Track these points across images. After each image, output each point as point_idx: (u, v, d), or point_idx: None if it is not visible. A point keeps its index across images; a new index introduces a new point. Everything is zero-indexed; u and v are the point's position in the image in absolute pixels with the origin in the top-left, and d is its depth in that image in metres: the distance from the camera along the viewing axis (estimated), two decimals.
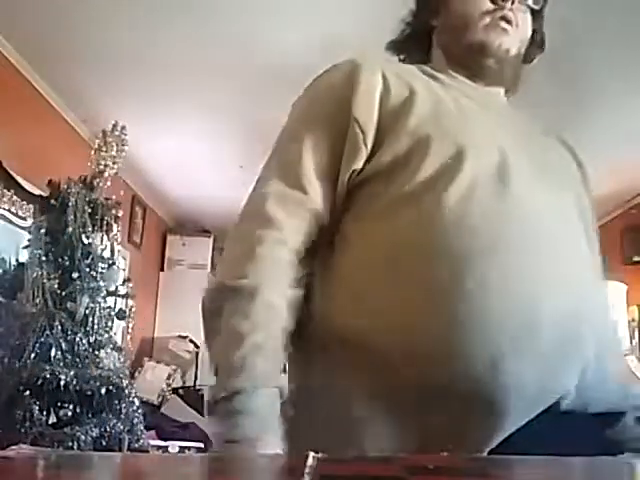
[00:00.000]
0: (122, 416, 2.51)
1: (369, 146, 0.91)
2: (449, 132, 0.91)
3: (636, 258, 4.46)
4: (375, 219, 0.90)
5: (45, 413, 2.31)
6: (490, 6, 1.02)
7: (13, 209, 2.97)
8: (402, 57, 1.15)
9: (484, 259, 0.82)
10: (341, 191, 0.92)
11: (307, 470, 0.39)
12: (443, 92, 0.98)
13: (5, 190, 2.90)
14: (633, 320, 4.26)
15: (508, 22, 1.02)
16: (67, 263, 2.59)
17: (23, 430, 2.21)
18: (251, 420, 0.76)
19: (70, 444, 2.23)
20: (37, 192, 2.95)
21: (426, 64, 1.09)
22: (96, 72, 3.21)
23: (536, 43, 1.14)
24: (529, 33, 1.09)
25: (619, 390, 0.93)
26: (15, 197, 2.96)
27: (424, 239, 0.84)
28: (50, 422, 2.33)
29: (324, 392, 0.86)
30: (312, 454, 0.42)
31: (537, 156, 0.96)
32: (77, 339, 2.51)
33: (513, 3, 1.03)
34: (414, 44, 1.14)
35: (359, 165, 0.91)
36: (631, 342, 4.00)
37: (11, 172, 2.91)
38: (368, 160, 0.91)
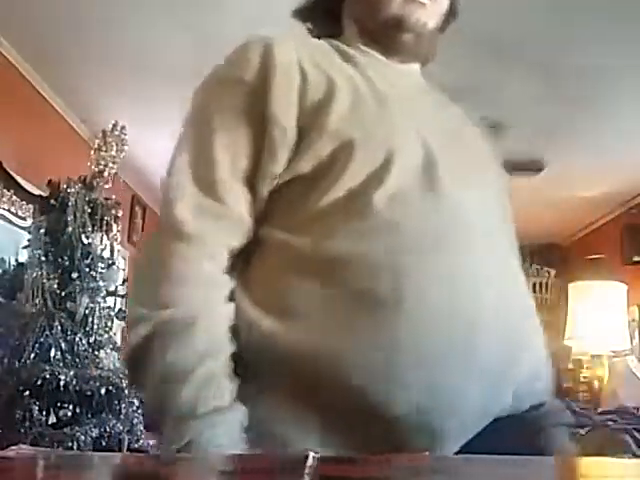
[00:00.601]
0: (122, 416, 2.51)
1: (289, 147, 0.83)
2: (373, 135, 0.84)
3: (636, 258, 4.46)
4: (301, 229, 0.82)
5: (45, 413, 2.31)
6: None
7: (13, 209, 2.97)
8: (309, 26, 1.06)
9: (421, 271, 0.77)
10: (260, 196, 0.84)
11: (307, 470, 0.39)
12: (360, 78, 0.89)
13: (5, 190, 2.90)
14: (633, 320, 4.26)
15: None
16: (67, 263, 2.59)
17: (23, 430, 2.21)
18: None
19: (70, 444, 2.23)
20: (37, 192, 2.95)
21: (336, 37, 0.99)
22: (96, 72, 3.21)
23: (451, 13, 1.03)
24: (446, 5, 0.99)
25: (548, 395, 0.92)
26: (15, 197, 2.96)
27: (357, 251, 0.78)
28: (50, 422, 2.33)
29: (251, 412, 0.76)
30: (312, 454, 0.42)
31: (461, 144, 0.91)
32: (77, 339, 2.51)
33: None
34: (322, 12, 1.04)
35: (279, 169, 0.83)
36: (631, 342, 4.00)
37: (11, 172, 2.91)
38: (288, 163, 0.83)
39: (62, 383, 2.32)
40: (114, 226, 2.85)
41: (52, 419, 2.34)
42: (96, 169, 2.84)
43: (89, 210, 2.70)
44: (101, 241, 2.80)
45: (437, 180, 0.82)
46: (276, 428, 0.76)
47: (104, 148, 2.89)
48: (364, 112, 0.85)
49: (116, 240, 2.94)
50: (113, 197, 2.89)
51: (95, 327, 2.62)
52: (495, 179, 0.95)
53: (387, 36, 0.97)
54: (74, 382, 2.35)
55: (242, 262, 0.85)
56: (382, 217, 0.79)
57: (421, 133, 0.86)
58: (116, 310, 2.83)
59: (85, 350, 2.52)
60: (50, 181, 2.72)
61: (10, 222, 2.98)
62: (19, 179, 2.99)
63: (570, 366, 4.65)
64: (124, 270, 4.31)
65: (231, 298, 0.81)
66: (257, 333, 0.78)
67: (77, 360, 2.47)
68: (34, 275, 2.50)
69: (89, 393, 2.41)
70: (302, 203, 0.83)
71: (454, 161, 0.86)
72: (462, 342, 0.76)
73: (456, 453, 0.78)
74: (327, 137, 0.82)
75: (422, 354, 0.75)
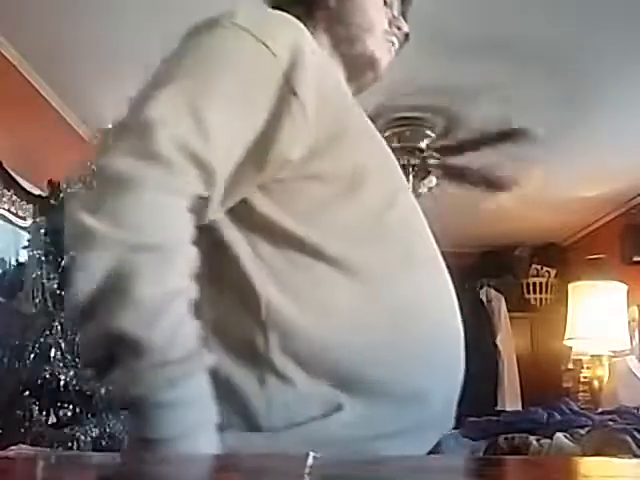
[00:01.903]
0: (122, 416, 2.51)
1: (307, 142, 0.80)
2: (380, 156, 0.93)
3: (636, 258, 4.46)
4: (317, 228, 0.81)
5: (45, 413, 2.31)
6: (388, 28, 1.02)
7: (13, 209, 2.97)
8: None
9: (428, 290, 0.88)
10: (261, 173, 0.78)
11: (307, 470, 0.39)
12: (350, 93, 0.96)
13: (5, 190, 2.90)
14: (633, 320, 4.26)
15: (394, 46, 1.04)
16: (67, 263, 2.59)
17: (23, 430, 2.21)
18: (189, 412, 0.65)
19: (70, 444, 2.23)
20: (37, 192, 2.95)
21: None
22: (96, 72, 3.21)
23: None
24: None
25: None
26: (15, 197, 2.96)
27: (377, 261, 0.84)
28: (50, 422, 2.33)
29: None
30: (312, 454, 0.42)
31: (392, 161, 1.00)
32: (77, 339, 2.51)
33: (400, 30, 1.04)
34: (295, 7, 0.95)
35: (295, 154, 0.79)
36: (631, 342, 4.00)
37: (11, 172, 2.91)
38: (304, 159, 0.80)
39: (62, 383, 2.32)
40: None
41: (52, 419, 2.34)
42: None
43: None
44: None
45: (405, 192, 0.97)
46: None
47: None
48: (369, 133, 0.93)
49: None
50: None
51: None
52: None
53: (358, 67, 1.01)
54: (74, 382, 2.35)
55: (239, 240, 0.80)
56: (397, 237, 0.87)
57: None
58: None
59: None
60: (50, 181, 2.72)
61: (10, 222, 2.98)
62: (19, 179, 2.99)
63: (570, 366, 4.66)
64: None
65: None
66: (273, 309, 0.77)
67: (77, 360, 2.47)
68: (34, 275, 2.50)
69: (89, 393, 2.41)
70: (321, 204, 0.82)
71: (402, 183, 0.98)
72: (449, 351, 0.88)
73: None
74: (347, 149, 0.84)
75: (428, 353, 0.84)
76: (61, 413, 2.36)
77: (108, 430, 2.42)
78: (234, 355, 0.77)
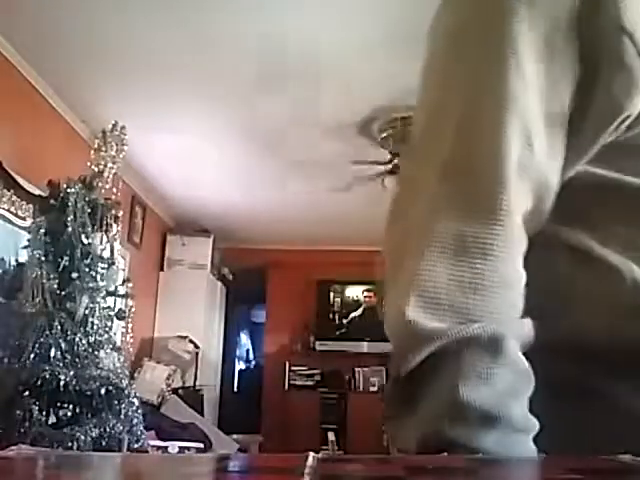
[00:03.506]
0: (122, 416, 2.51)
1: None
2: None
3: None
4: None
5: (45, 413, 2.31)
6: None
7: (13, 209, 2.98)
8: None
9: None
10: (588, 152, 0.59)
11: (307, 470, 0.39)
12: None
13: (5, 190, 2.90)
14: None
15: None
16: (67, 263, 2.59)
17: (23, 430, 2.22)
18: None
19: (70, 444, 2.23)
20: (37, 192, 2.95)
21: None
22: (96, 72, 3.22)
23: None
24: None
25: None
26: (15, 197, 2.97)
27: None
28: (50, 422, 2.33)
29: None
30: (312, 454, 0.42)
31: None
32: (76, 339, 2.51)
33: None
34: None
35: (636, 109, 0.57)
36: None
37: (11, 172, 2.92)
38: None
39: (62, 383, 2.32)
40: (114, 226, 2.85)
41: (52, 419, 2.35)
42: (96, 169, 2.84)
43: (89, 210, 2.70)
44: (101, 241, 2.80)
45: None
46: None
47: (104, 148, 2.89)
48: None
49: (116, 240, 2.94)
50: (113, 197, 2.89)
51: (95, 327, 2.62)
52: None
53: None
54: (74, 382, 2.36)
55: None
56: None
57: None
58: (116, 310, 2.83)
59: (85, 350, 2.52)
60: (50, 181, 2.72)
61: (10, 222, 2.98)
62: (19, 179, 2.99)
63: None
64: (124, 270, 4.32)
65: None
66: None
67: (77, 360, 2.47)
68: (34, 275, 2.50)
69: (89, 393, 2.41)
70: None
71: None
72: None
73: None
74: None
75: None
76: (61, 413, 2.37)
77: (108, 430, 2.43)
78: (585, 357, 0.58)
